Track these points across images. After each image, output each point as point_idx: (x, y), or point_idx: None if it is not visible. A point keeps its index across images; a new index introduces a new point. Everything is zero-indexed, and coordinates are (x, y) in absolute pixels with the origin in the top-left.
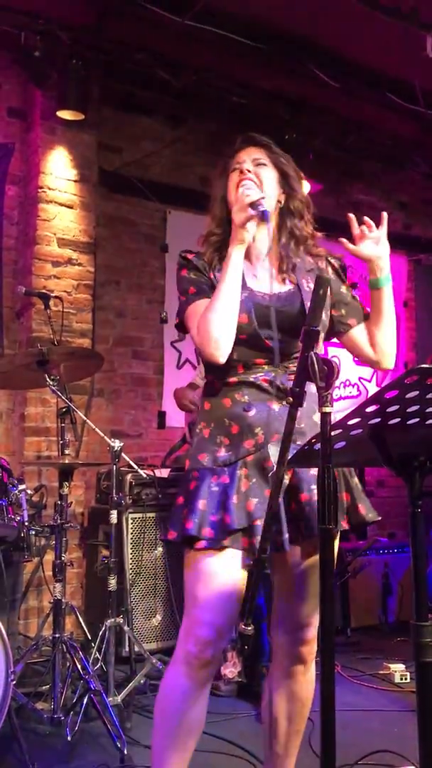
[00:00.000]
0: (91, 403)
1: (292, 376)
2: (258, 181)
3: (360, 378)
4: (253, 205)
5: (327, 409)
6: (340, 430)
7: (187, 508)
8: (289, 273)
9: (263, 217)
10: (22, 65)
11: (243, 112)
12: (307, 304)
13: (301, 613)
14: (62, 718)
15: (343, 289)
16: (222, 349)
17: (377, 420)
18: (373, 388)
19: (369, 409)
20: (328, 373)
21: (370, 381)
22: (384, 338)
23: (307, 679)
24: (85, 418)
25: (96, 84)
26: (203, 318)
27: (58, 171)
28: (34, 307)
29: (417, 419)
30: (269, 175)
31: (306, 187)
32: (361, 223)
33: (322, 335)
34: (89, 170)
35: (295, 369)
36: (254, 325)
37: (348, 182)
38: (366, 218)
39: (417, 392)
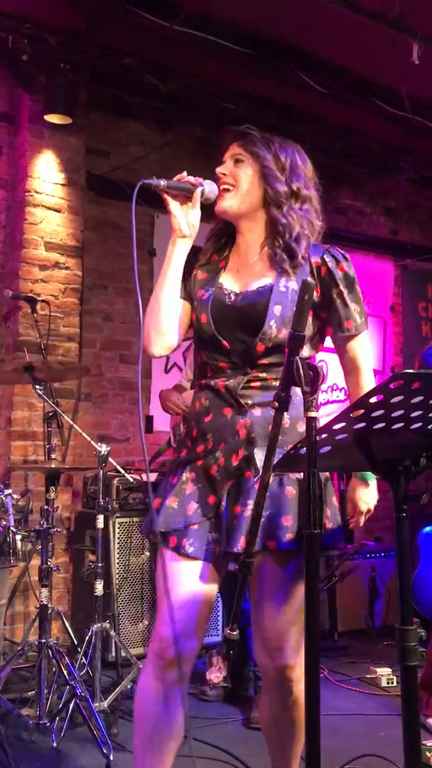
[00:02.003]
0: (78, 408)
1: (254, 384)
2: (234, 181)
3: None
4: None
5: (312, 414)
6: (326, 435)
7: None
8: (270, 270)
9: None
10: (9, 69)
11: (230, 117)
12: (273, 305)
13: (269, 634)
14: (48, 724)
15: (334, 293)
16: (153, 343)
17: (362, 425)
18: None
19: (354, 414)
20: (314, 378)
21: None
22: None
23: (292, 703)
24: (72, 423)
25: (84, 88)
26: (145, 312)
27: (46, 175)
28: (21, 310)
29: (402, 424)
30: (247, 172)
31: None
32: None
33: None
34: (77, 174)
35: (257, 375)
36: (212, 327)
37: (335, 187)
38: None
39: (402, 397)
